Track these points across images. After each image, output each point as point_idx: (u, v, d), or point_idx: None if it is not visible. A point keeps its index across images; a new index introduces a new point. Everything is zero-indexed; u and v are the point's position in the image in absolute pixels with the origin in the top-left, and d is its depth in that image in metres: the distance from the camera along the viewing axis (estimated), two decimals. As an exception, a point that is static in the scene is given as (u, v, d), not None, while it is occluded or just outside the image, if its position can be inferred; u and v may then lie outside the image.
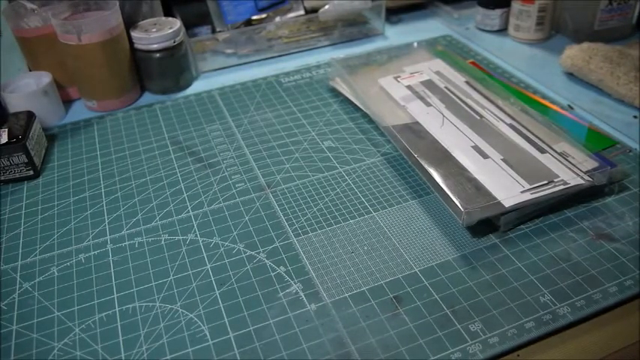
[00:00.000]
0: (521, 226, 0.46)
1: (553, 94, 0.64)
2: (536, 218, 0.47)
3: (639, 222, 0.46)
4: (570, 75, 0.67)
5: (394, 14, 0.85)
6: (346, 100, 0.64)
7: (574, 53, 0.66)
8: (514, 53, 0.74)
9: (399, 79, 0.63)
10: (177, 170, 0.56)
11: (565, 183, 0.46)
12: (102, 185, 0.54)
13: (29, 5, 0.63)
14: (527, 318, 0.38)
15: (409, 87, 0.61)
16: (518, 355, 0.37)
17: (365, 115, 0.61)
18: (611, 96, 0.62)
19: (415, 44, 0.72)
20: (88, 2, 0.65)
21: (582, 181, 0.47)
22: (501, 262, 0.43)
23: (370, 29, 0.81)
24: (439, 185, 0.47)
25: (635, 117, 0.59)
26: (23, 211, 0.52)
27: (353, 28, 0.80)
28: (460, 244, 0.45)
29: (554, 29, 0.77)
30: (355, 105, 0.63)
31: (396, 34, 0.81)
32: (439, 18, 0.85)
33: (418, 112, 0.57)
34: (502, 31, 0.79)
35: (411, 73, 0.64)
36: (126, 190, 0.54)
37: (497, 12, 0.78)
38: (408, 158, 0.52)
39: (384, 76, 0.64)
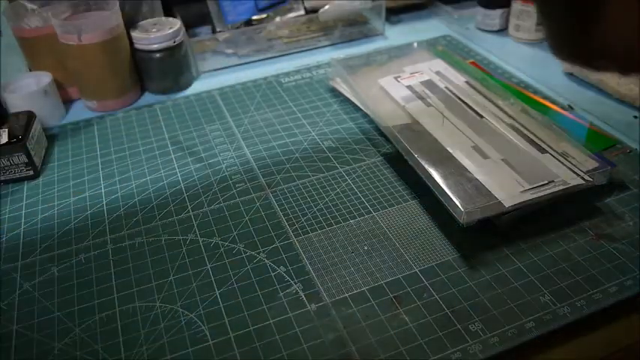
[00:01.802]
0: (521, 226, 0.46)
1: (553, 94, 0.64)
2: (537, 218, 0.47)
3: (639, 222, 0.46)
4: (570, 75, 0.67)
5: (394, 14, 0.85)
6: (346, 100, 0.64)
7: (574, 53, 0.65)
8: (514, 53, 0.74)
9: (399, 79, 0.63)
10: (177, 170, 0.56)
11: (565, 183, 0.46)
12: (102, 185, 0.54)
13: (29, 5, 0.63)
14: (527, 318, 0.38)
15: (409, 87, 0.61)
16: (518, 355, 0.37)
17: (365, 115, 0.61)
18: (611, 96, 0.62)
19: (415, 44, 0.72)
20: (88, 2, 0.65)
21: (582, 181, 0.46)
22: (501, 262, 0.43)
23: (370, 29, 0.81)
24: (439, 185, 0.47)
25: (635, 117, 0.59)
26: (23, 211, 0.52)
27: (353, 28, 0.80)
28: (460, 244, 0.45)
29: (555, 29, 0.77)
30: (355, 105, 0.63)
31: (396, 34, 0.81)
32: (439, 18, 0.85)
33: (418, 112, 0.57)
34: (502, 31, 0.79)
35: (412, 73, 0.64)
36: (126, 190, 0.54)
37: (498, 12, 0.78)
38: (409, 158, 0.52)
39: (385, 76, 0.64)
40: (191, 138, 0.60)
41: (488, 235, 0.45)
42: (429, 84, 0.62)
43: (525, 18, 0.74)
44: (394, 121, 0.56)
